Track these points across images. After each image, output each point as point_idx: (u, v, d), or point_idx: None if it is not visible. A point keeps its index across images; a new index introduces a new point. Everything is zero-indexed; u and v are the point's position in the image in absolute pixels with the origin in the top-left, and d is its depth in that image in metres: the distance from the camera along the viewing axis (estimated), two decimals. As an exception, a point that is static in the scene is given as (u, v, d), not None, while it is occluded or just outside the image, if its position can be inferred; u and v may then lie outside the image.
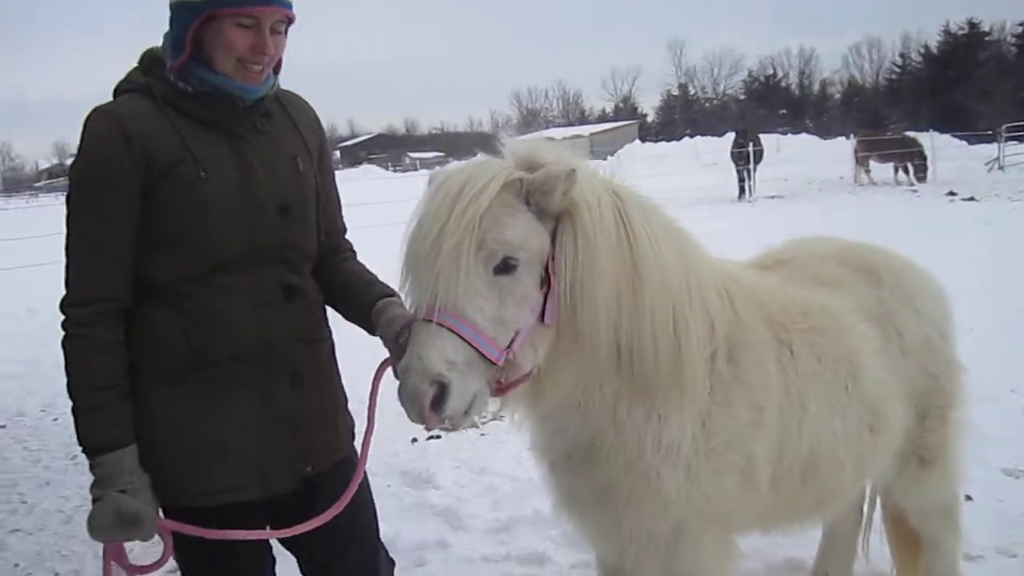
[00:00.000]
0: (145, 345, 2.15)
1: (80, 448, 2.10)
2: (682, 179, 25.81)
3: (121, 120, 2.09)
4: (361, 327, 2.43)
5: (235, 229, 2.17)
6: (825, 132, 53.09)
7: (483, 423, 6.00)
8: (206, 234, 2.13)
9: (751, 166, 24.13)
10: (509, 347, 2.06)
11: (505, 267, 2.05)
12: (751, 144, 24.28)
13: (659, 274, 2.23)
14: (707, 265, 2.52)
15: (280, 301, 2.27)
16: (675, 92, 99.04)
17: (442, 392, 1.94)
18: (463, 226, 1.99)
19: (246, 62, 2.12)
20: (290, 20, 2.19)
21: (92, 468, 2.08)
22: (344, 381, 2.53)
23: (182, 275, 2.15)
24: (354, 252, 2.62)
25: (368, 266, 2.58)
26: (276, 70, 2.30)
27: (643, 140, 57.08)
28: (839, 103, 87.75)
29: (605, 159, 33.00)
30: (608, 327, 2.15)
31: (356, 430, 2.54)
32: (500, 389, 2.10)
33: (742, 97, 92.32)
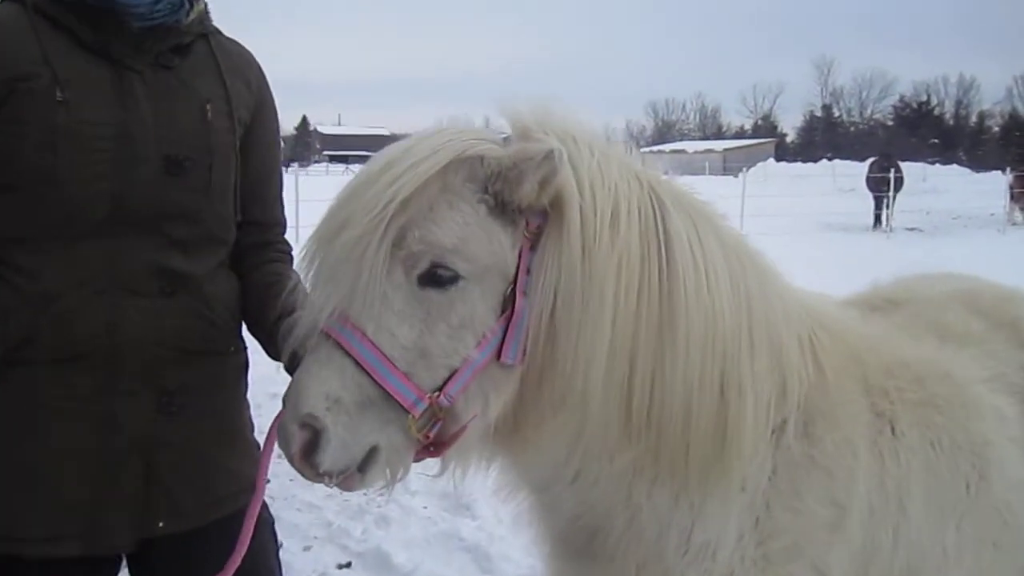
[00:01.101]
0: None
1: None
2: (815, 202, 24.53)
3: None
4: (265, 348, 1.85)
5: (95, 179, 1.64)
6: (979, 165, 49.82)
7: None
8: (52, 177, 1.61)
9: (891, 193, 22.54)
10: (440, 390, 1.48)
11: (435, 278, 1.48)
12: (892, 170, 22.69)
13: (704, 313, 1.59)
14: (785, 302, 1.85)
15: (152, 291, 1.72)
16: (818, 113, 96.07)
17: (316, 439, 1.42)
18: (373, 213, 1.43)
19: None
20: None
21: None
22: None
23: (16, 233, 1.64)
24: (291, 255, 2.02)
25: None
26: None
27: (779, 160, 54.99)
28: (997, 136, 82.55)
29: (736, 176, 31.87)
30: (611, 382, 1.54)
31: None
32: (430, 446, 1.53)
33: (890, 122, 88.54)
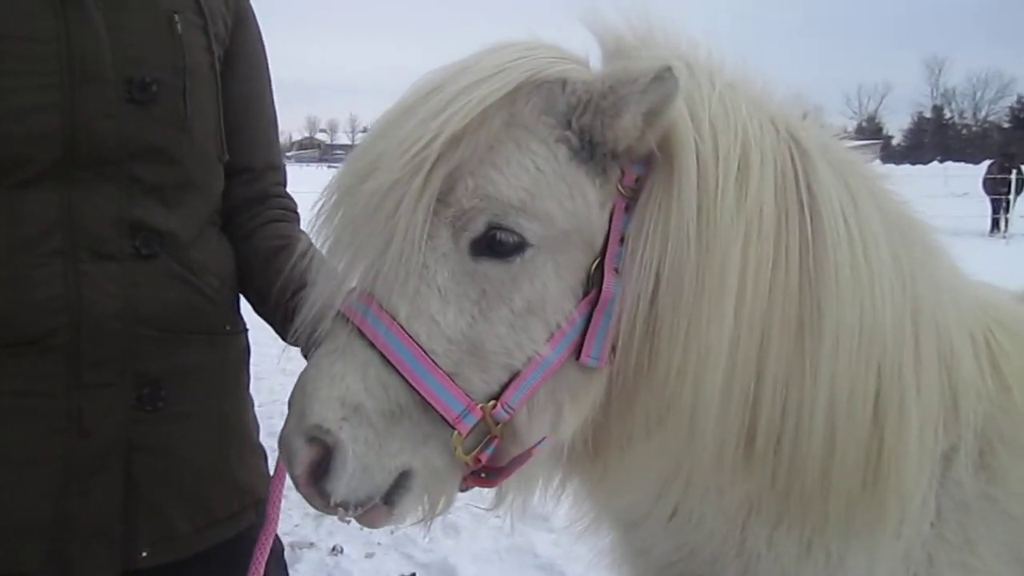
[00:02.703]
0: None
1: None
2: (924, 205, 23.00)
3: None
4: (280, 333, 1.47)
5: (37, 111, 1.29)
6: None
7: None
8: None
9: (1011, 196, 21.14)
10: (497, 399, 1.10)
11: (493, 245, 1.10)
12: (1014, 172, 21.28)
13: (859, 304, 1.18)
14: (956, 292, 1.40)
15: (123, 253, 1.36)
16: (927, 114, 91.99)
17: (327, 459, 1.07)
18: (411, 153, 1.06)
19: None
20: None
21: None
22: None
23: None
24: (296, 213, 1.66)
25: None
26: None
27: (884, 162, 52.82)
28: (1125, 138, 77.54)
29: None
30: (730, 393, 1.14)
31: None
32: (482, 472, 1.16)
33: (1007, 124, 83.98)
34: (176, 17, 1.41)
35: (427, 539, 3.99)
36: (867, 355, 1.19)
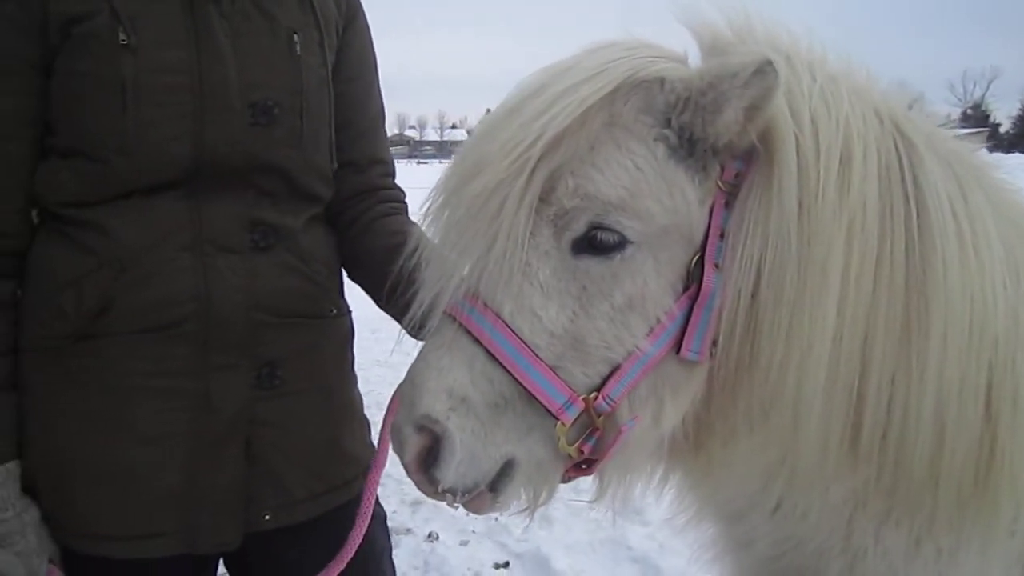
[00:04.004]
0: (23, 302, 1.42)
1: None
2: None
3: None
4: (396, 320, 1.52)
5: (171, 139, 1.38)
6: None
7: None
8: (123, 143, 1.35)
9: None
10: (600, 390, 1.13)
11: (594, 243, 1.13)
12: None
13: (969, 299, 1.16)
14: None
15: (244, 246, 1.45)
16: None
17: (436, 447, 1.12)
18: (514, 155, 1.09)
19: None
20: None
21: None
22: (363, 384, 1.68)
23: (85, 196, 1.39)
24: (404, 204, 1.71)
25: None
26: None
27: (992, 151, 50.44)
28: None
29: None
30: (834, 388, 1.14)
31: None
32: (579, 465, 1.19)
33: None
34: (296, 37, 1.49)
35: (521, 529, 4.05)
36: (978, 351, 1.16)
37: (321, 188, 1.57)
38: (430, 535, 3.99)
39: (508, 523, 4.12)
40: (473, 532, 4.03)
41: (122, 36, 1.35)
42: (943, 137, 1.26)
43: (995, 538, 1.29)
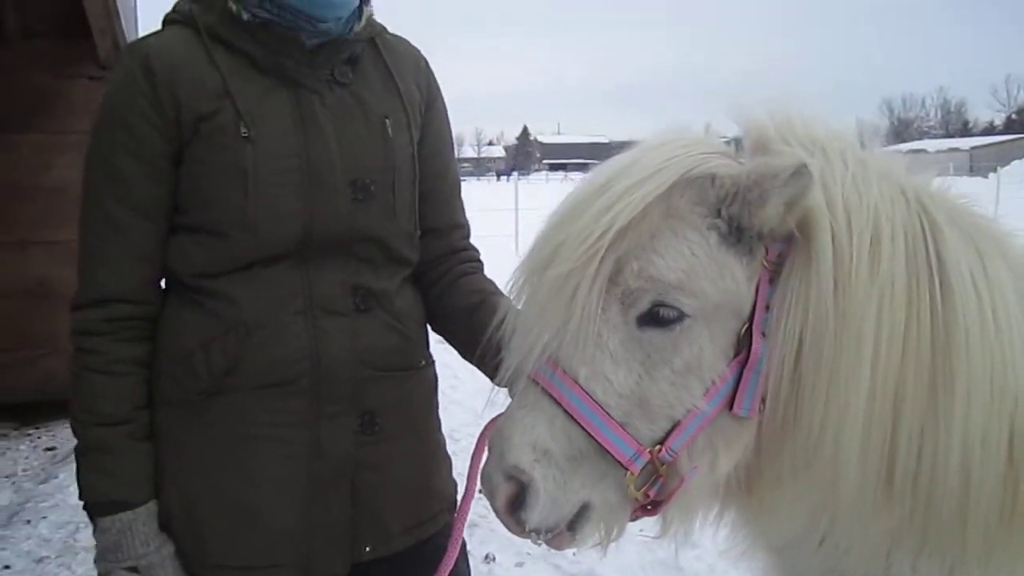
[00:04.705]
0: (158, 360, 1.64)
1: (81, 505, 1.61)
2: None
3: (146, 57, 1.58)
4: (488, 375, 1.70)
5: (287, 211, 1.58)
6: None
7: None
8: (247, 215, 1.56)
9: None
10: (663, 444, 1.31)
11: (656, 318, 1.30)
12: None
13: (990, 362, 1.30)
14: None
15: (349, 309, 1.65)
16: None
17: (522, 493, 1.30)
18: (587, 244, 1.27)
19: None
20: None
21: (95, 532, 1.58)
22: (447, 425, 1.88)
23: (211, 268, 1.60)
24: (481, 263, 1.91)
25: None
26: None
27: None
28: None
29: (987, 176, 28.99)
30: (868, 442, 1.29)
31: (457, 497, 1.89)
32: (645, 506, 1.36)
33: None
34: (387, 121, 1.69)
35: (574, 551, 4.19)
36: (999, 407, 1.31)
37: (410, 253, 1.77)
38: (487, 556, 4.16)
39: (561, 545, 4.27)
40: (528, 554, 4.18)
41: (243, 130, 1.56)
42: (965, 212, 1.41)
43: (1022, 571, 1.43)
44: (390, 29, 1.83)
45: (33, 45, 6.97)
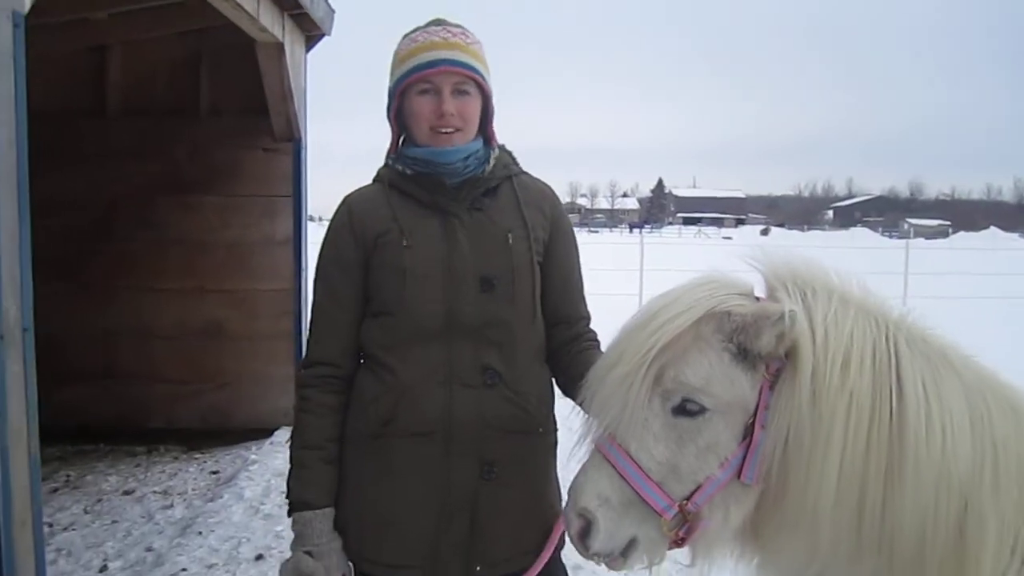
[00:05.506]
0: (349, 408, 2.29)
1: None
2: None
3: (350, 205, 2.32)
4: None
5: (433, 297, 2.19)
6: None
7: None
8: (403, 299, 2.19)
9: None
10: (689, 499, 1.81)
11: (685, 410, 1.80)
12: None
13: (936, 455, 1.73)
14: None
15: (477, 382, 2.20)
16: None
17: (588, 527, 1.82)
18: (638, 357, 1.79)
19: (435, 128, 2.22)
20: (476, 82, 2.25)
21: (292, 523, 2.23)
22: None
23: (385, 343, 2.23)
24: (598, 342, 2.43)
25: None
26: (490, 143, 2.36)
27: None
28: None
29: None
30: (840, 507, 1.75)
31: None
32: (677, 541, 1.86)
33: None
34: (509, 235, 2.28)
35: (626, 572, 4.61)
36: (946, 489, 1.71)
37: (530, 333, 2.31)
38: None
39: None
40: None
41: (405, 242, 2.21)
42: (926, 336, 1.85)
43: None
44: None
45: (220, 121, 8.06)
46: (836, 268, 1.93)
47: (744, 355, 1.81)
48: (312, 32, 7.58)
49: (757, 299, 1.89)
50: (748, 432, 1.81)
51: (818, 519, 1.76)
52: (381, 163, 2.41)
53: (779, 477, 1.79)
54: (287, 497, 2.27)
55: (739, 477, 1.81)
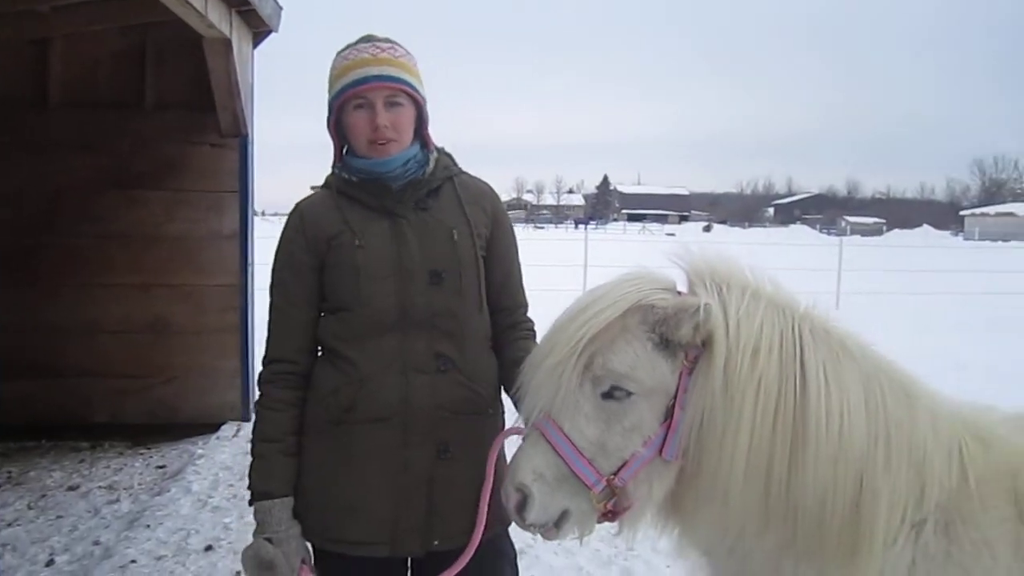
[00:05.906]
0: (309, 399, 2.44)
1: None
2: None
3: (302, 211, 2.47)
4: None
5: (386, 292, 2.36)
6: None
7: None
8: (359, 295, 2.35)
9: None
10: (616, 474, 1.98)
11: (613, 394, 1.98)
12: None
13: (834, 434, 1.94)
14: (936, 418, 2.11)
15: (431, 368, 2.37)
16: None
17: (524, 500, 1.98)
18: (569, 347, 1.97)
19: (372, 141, 2.37)
20: (406, 93, 2.39)
21: (254, 512, 2.38)
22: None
23: (343, 336, 2.39)
24: (533, 331, 2.63)
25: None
26: (427, 146, 2.53)
27: None
28: None
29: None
30: (749, 482, 1.94)
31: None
32: (606, 514, 2.03)
33: None
34: (454, 232, 2.45)
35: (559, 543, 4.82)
36: (844, 465, 1.92)
37: (477, 322, 2.49)
38: (529, 580, 4.80)
39: (596, 573, 4.90)
40: (564, 580, 4.82)
41: (357, 242, 2.37)
42: (829, 326, 2.06)
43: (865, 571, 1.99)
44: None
45: (166, 115, 8.04)
46: (750, 265, 2.13)
47: (666, 344, 2.00)
48: (260, 28, 7.63)
49: (679, 293, 2.08)
50: (669, 413, 2.00)
51: (729, 493, 1.96)
52: (328, 158, 2.59)
53: (695, 455, 1.98)
54: (248, 488, 2.41)
55: (661, 454, 2.00)
